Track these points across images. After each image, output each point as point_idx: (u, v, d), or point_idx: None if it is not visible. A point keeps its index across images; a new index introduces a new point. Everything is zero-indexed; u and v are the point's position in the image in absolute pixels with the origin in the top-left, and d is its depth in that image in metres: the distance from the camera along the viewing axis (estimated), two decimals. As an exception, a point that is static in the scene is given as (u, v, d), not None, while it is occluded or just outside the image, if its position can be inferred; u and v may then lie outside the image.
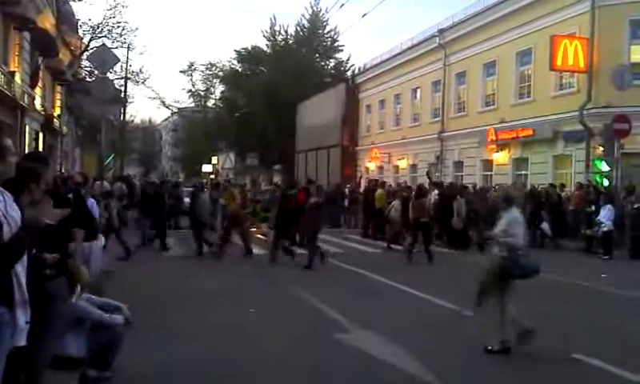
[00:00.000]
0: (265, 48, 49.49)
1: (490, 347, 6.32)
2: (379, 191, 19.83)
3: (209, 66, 58.41)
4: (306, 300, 9.06)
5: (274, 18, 56.89)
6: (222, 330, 7.03)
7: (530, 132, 21.74)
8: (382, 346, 6.46)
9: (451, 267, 13.42)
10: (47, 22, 21.13)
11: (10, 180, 3.12)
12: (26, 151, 17.01)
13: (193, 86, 60.68)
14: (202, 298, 9.03)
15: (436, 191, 16.71)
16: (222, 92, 58.02)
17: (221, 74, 56.55)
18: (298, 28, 47.77)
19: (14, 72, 18.47)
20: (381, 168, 34.77)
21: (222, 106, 57.21)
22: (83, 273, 5.16)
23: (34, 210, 3.07)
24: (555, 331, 7.43)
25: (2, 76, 16.18)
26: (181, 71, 65.71)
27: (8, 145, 3.10)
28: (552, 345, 6.77)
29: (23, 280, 3.03)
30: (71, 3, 31.51)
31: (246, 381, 5.49)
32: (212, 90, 60.69)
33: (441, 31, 28.29)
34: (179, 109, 64.53)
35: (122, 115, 36.09)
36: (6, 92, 16.67)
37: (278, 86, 43.06)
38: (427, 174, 22.40)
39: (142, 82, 39.35)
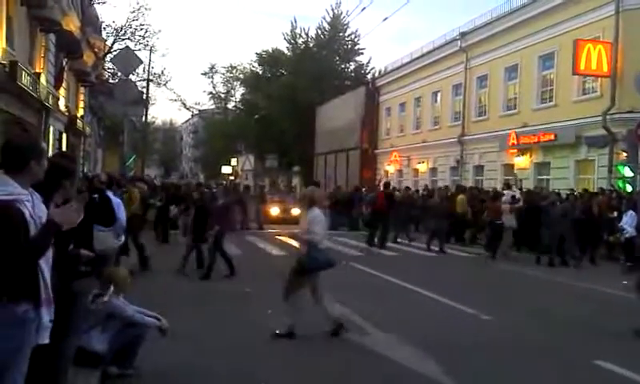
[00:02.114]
0: (285, 51, 49.68)
1: (277, 331, 6.78)
2: (460, 196, 19.59)
3: (229, 68, 59.13)
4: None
5: (295, 21, 57.04)
6: (239, 331, 7.09)
7: (552, 136, 21.49)
8: (398, 347, 6.48)
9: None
10: (72, 24, 21.43)
11: (40, 182, 3.19)
12: (50, 152, 17.26)
13: (213, 88, 61.32)
14: (219, 299, 9.09)
15: (510, 193, 16.92)
16: (242, 94, 58.47)
17: (241, 76, 57.00)
18: (319, 31, 47.85)
19: (40, 73, 18.74)
20: (400, 171, 34.68)
21: (242, 108, 57.60)
22: (122, 277, 5.27)
23: (58, 213, 3.10)
24: (575, 336, 7.38)
25: (28, 77, 16.43)
26: (202, 73, 66.65)
27: (45, 148, 3.18)
28: (572, 349, 6.73)
29: (48, 279, 3.09)
30: (95, 6, 32.03)
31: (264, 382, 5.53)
32: (232, 92, 61.27)
33: (462, 34, 28.10)
34: (200, 111, 65.13)
35: (144, 117, 36.51)
36: (32, 93, 16.92)
37: (298, 89, 43.19)
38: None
39: (164, 84, 39.73)
